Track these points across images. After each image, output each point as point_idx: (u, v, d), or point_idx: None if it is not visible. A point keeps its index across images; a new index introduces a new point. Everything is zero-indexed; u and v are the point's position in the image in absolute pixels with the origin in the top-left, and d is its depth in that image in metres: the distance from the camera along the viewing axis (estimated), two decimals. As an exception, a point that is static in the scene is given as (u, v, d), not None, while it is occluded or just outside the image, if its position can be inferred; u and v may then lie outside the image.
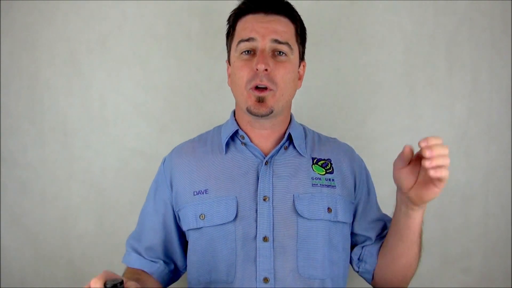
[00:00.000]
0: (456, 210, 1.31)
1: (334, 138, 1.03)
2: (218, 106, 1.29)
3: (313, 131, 1.03)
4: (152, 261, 0.96)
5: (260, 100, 0.87)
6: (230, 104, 1.30)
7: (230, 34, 0.95)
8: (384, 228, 0.99)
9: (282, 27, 0.89)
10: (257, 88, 0.87)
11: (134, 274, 0.93)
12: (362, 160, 1.03)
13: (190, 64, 1.29)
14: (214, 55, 1.28)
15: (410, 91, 1.29)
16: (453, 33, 1.28)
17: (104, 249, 1.31)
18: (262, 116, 0.89)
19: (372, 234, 0.97)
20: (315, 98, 1.29)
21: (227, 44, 0.97)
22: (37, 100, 1.29)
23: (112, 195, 1.30)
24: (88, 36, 1.28)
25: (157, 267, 0.96)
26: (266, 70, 0.86)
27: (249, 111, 0.89)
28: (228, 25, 0.96)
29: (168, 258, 0.98)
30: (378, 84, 1.30)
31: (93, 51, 1.28)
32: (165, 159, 1.01)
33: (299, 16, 0.94)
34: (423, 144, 0.74)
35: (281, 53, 0.89)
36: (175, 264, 1.00)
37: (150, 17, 1.27)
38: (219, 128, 1.01)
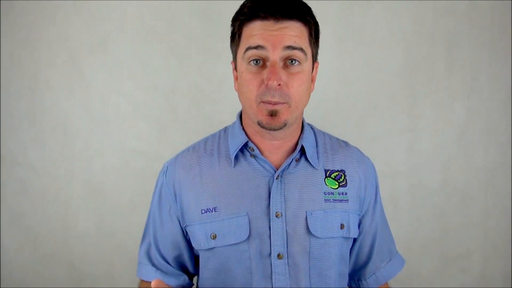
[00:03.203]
0: (456, 210, 1.32)
1: (346, 142, 0.98)
2: (218, 106, 1.29)
3: (323, 133, 0.97)
4: (174, 274, 0.93)
5: (273, 114, 0.79)
6: (230, 104, 1.30)
7: (235, 38, 0.85)
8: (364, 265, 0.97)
9: (294, 32, 0.79)
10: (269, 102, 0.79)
11: None
12: (374, 169, 0.98)
13: (190, 64, 1.29)
14: (214, 55, 1.28)
15: (410, 91, 1.30)
16: (453, 33, 1.28)
17: (104, 249, 1.31)
18: (275, 130, 0.82)
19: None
20: (315, 98, 1.27)
21: (231, 47, 0.87)
22: (38, 100, 1.29)
23: (112, 195, 1.31)
24: (88, 36, 1.28)
25: (183, 279, 0.93)
26: (279, 85, 0.78)
27: (260, 125, 0.81)
28: (232, 28, 0.85)
29: (183, 270, 0.95)
30: (378, 84, 1.30)
31: (94, 51, 1.28)
32: (167, 168, 0.93)
33: (313, 15, 0.84)
34: None
35: (294, 62, 0.80)
36: (189, 274, 0.96)
37: (150, 17, 1.27)
38: (225, 133, 0.94)
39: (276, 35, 0.78)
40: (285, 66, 0.80)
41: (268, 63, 0.79)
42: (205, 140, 0.95)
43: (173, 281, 0.92)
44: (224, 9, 1.27)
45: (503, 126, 1.30)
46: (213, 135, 0.96)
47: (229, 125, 0.95)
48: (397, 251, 1.00)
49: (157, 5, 1.27)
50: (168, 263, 0.93)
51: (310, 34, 0.83)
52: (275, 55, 0.78)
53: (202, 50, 1.28)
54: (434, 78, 1.29)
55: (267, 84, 0.78)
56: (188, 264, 0.95)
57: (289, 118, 0.82)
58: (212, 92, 1.29)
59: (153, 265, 0.93)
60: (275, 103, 0.79)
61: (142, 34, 1.28)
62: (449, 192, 1.31)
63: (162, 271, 0.92)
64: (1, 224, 1.30)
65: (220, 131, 0.96)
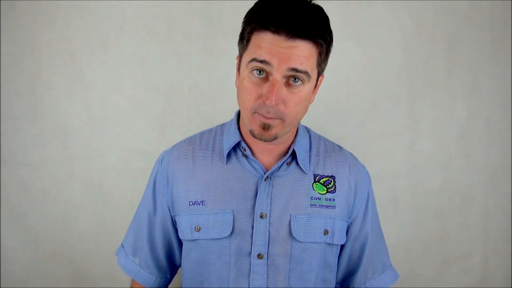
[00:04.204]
0: (456, 210, 1.31)
1: (340, 147, 0.98)
2: (218, 106, 1.29)
3: (319, 137, 0.98)
4: (151, 272, 0.97)
5: (265, 127, 0.80)
6: (230, 104, 1.30)
7: (243, 40, 0.82)
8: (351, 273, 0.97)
9: (303, 53, 0.76)
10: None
11: None
12: (368, 177, 0.97)
13: (190, 64, 1.29)
14: (214, 55, 1.28)
15: (410, 91, 1.29)
16: (453, 33, 1.28)
17: (105, 248, 1.31)
18: (265, 141, 0.82)
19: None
20: (314, 99, 1.29)
21: (239, 45, 0.85)
22: (38, 100, 1.29)
23: (113, 194, 1.31)
24: (88, 36, 1.28)
25: (153, 282, 0.97)
26: (276, 103, 0.78)
27: (252, 134, 0.82)
28: (242, 29, 0.82)
29: (167, 259, 0.98)
30: (378, 84, 1.30)
31: (94, 51, 1.28)
32: (163, 157, 0.96)
33: (326, 34, 0.79)
34: None
35: (297, 80, 0.78)
36: (174, 265, 1.00)
37: (150, 17, 1.28)
38: (222, 130, 0.96)
39: (283, 53, 0.75)
40: (287, 83, 0.79)
41: (270, 78, 0.77)
42: (202, 134, 0.97)
43: (144, 278, 0.96)
44: (224, 9, 1.27)
45: (503, 126, 1.30)
46: (210, 130, 0.98)
47: (227, 122, 0.97)
48: (391, 265, 1.00)
49: (157, 5, 1.27)
50: (154, 252, 0.96)
51: (319, 55, 0.80)
52: (278, 74, 0.76)
53: (202, 50, 1.28)
54: (434, 78, 1.29)
55: (265, 102, 0.77)
56: (176, 253, 0.97)
57: (281, 132, 0.82)
58: (212, 92, 1.29)
59: (135, 254, 0.97)
60: (269, 118, 0.79)
61: (142, 34, 1.28)
62: (449, 193, 1.31)
63: (141, 266, 0.96)
64: (2, 224, 1.30)
65: (217, 126, 0.98)
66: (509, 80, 1.28)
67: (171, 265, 0.99)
